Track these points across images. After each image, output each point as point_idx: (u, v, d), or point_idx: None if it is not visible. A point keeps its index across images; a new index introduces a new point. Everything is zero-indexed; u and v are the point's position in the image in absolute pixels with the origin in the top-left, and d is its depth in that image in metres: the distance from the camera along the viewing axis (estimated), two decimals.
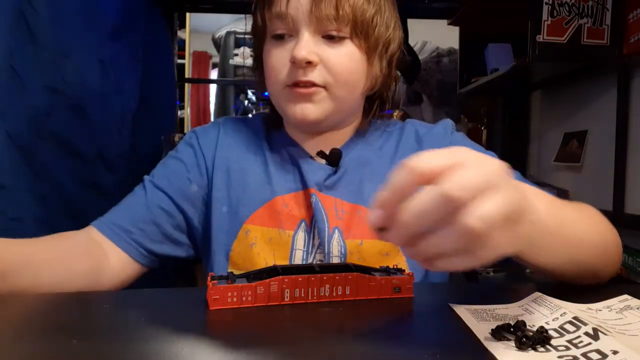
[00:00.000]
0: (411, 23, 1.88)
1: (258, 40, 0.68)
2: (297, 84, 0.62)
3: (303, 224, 0.65)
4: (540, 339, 0.34)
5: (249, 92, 3.35)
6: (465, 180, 0.29)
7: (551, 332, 0.36)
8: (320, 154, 0.69)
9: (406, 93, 2.26)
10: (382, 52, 0.67)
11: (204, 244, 0.70)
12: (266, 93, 0.71)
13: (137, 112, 1.39)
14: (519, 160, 2.02)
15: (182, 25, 2.94)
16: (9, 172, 0.92)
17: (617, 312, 0.41)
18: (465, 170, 0.30)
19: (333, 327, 0.40)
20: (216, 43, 3.36)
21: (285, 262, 0.63)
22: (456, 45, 2.06)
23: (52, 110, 1.02)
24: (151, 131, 1.55)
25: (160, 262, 0.68)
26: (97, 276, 0.61)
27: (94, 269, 0.61)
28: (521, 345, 0.34)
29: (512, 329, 0.36)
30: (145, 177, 0.70)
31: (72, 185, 1.08)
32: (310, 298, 0.44)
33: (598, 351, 0.32)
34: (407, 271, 0.59)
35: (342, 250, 0.63)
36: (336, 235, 0.64)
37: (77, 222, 1.10)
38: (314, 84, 0.62)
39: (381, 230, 0.33)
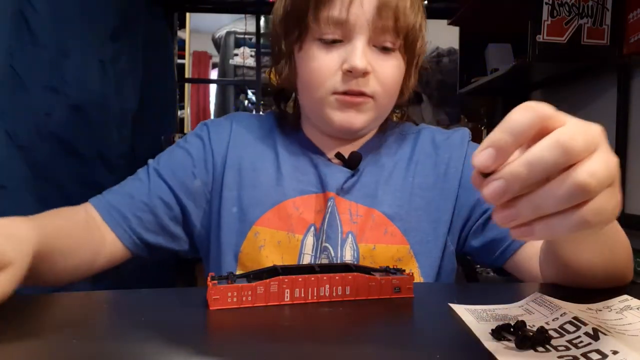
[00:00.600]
0: None
1: (293, 33, 0.64)
2: (346, 92, 0.61)
3: (312, 228, 0.64)
4: (541, 339, 0.34)
5: (249, 92, 3.35)
6: (582, 134, 0.28)
7: (551, 332, 0.36)
8: (339, 156, 0.68)
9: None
10: (416, 63, 0.68)
11: (210, 244, 0.69)
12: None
13: (137, 112, 1.39)
14: None
15: (182, 25, 2.95)
16: (9, 172, 0.92)
17: (617, 312, 0.41)
18: (579, 126, 0.29)
19: (333, 327, 0.40)
20: (216, 43, 3.36)
21: None
22: (456, 45, 2.06)
23: (52, 110, 1.02)
24: (151, 131, 1.55)
25: (150, 252, 0.67)
26: (94, 260, 0.61)
27: (94, 253, 0.61)
28: (521, 346, 0.34)
29: (512, 329, 0.35)
30: (150, 161, 0.69)
31: (72, 185, 1.08)
32: (310, 298, 0.44)
33: (598, 351, 0.32)
34: (419, 277, 0.59)
35: (355, 255, 0.62)
36: (349, 239, 0.63)
37: None
38: (363, 94, 0.61)
39: (484, 175, 0.30)
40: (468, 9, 1.76)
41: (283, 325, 0.40)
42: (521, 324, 0.35)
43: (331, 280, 0.44)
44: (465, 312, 0.41)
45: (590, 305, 0.42)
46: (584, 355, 0.32)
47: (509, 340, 0.35)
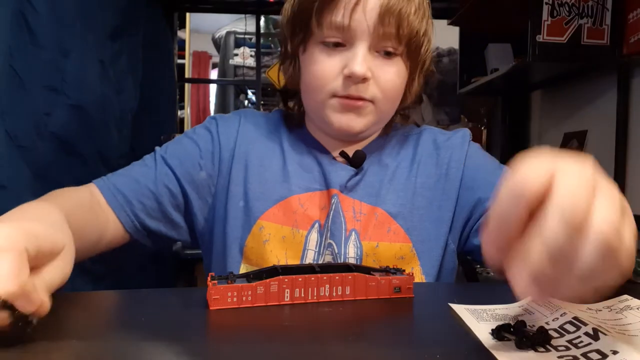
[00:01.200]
0: None
1: (298, 35, 0.65)
2: (346, 96, 0.62)
3: (317, 224, 0.65)
4: (541, 339, 0.34)
5: (249, 92, 3.36)
6: (579, 189, 0.26)
7: (551, 332, 0.36)
8: (342, 154, 0.68)
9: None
10: (421, 69, 0.68)
11: (213, 238, 0.69)
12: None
13: (137, 112, 1.39)
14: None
15: (182, 25, 2.95)
16: (9, 172, 0.93)
17: (617, 313, 0.41)
18: (572, 178, 0.27)
19: (333, 327, 0.40)
20: (216, 43, 3.36)
21: (297, 261, 0.63)
22: (456, 45, 2.06)
23: (52, 110, 1.02)
24: (151, 131, 1.56)
25: (150, 238, 0.67)
26: (98, 242, 0.61)
27: (99, 234, 0.61)
28: (521, 345, 0.33)
29: (512, 329, 0.35)
30: (158, 149, 0.69)
31: (72, 185, 1.08)
32: (310, 298, 0.44)
33: (598, 351, 0.32)
34: (420, 275, 0.59)
35: (359, 252, 0.63)
36: (353, 237, 0.64)
37: None
38: (362, 98, 0.62)
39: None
40: (468, 9, 1.76)
41: (283, 325, 0.40)
42: (521, 324, 0.35)
43: (331, 280, 0.44)
44: (465, 312, 0.41)
45: (590, 306, 0.42)
46: (584, 355, 0.32)
47: (509, 340, 0.35)
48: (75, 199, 0.60)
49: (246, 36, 3.10)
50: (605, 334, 0.34)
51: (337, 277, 0.45)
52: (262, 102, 2.53)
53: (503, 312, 0.42)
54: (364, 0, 0.59)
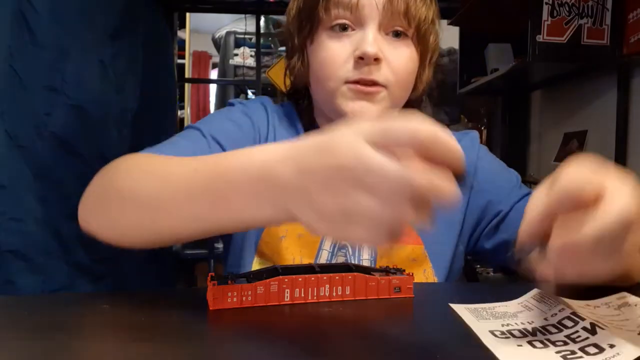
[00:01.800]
0: None
1: (304, 30, 0.64)
2: (358, 82, 0.60)
3: None
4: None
5: (249, 92, 3.35)
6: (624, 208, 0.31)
7: (549, 328, 0.37)
8: None
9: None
10: (430, 59, 0.68)
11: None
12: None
13: (137, 112, 1.39)
14: (519, 160, 2.02)
15: (182, 25, 2.95)
16: (9, 172, 0.93)
17: (615, 309, 0.41)
18: (622, 197, 0.32)
19: (333, 327, 0.40)
20: (216, 43, 3.36)
21: (311, 261, 0.62)
22: (456, 45, 2.06)
23: (52, 110, 1.02)
24: (151, 131, 1.55)
25: None
26: None
27: None
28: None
29: None
30: (198, 126, 0.64)
31: (72, 185, 1.08)
32: (310, 298, 0.44)
33: (595, 345, 0.32)
34: (433, 277, 0.59)
35: (373, 254, 0.63)
36: None
37: (77, 222, 1.09)
38: (375, 83, 0.60)
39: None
40: (468, 9, 1.76)
41: (283, 325, 0.40)
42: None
43: (331, 280, 0.44)
44: (465, 312, 0.41)
45: (588, 302, 0.43)
46: (581, 349, 0.32)
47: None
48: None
49: (246, 36, 3.10)
50: (602, 328, 0.34)
51: (337, 277, 0.45)
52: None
53: (502, 309, 0.42)
54: None
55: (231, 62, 3.13)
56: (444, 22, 1.99)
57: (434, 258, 0.65)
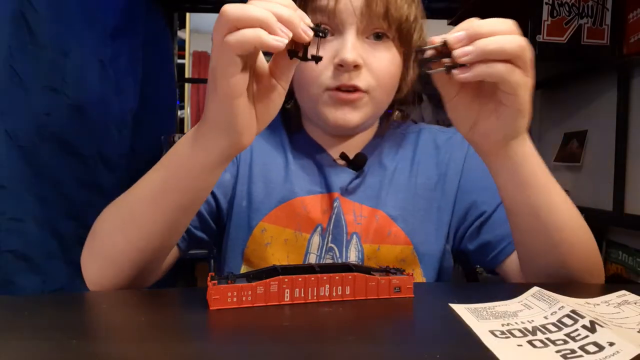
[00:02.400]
0: None
1: None
2: (339, 88, 0.60)
3: (319, 227, 0.64)
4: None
5: None
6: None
7: (549, 327, 0.37)
8: (343, 156, 0.67)
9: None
10: (415, 57, 0.66)
11: (219, 238, 0.68)
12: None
13: (137, 112, 1.38)
14: None
15: (182, 25, 2.94)
16: (9, 172, 0.93)
17: (614, 307, 0.41)
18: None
19: (333, 327, 0.40)
20: None
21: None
22: None
23: (52, 110, 1.02)
24: (151, 131, 1.55)
25: (191, 248, 0.66)
26: (166, 263, 0.60)
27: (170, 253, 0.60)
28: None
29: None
30: None
31: (72, 185, 1.08)
32: (310, 298, 0.44)
33: (595, 343, 0.32)
34: (421, 278, 0.59)
35: (360, 255, 0.63)
36: (354, 240, 0.63)
37: (77, 222, 1.10)
38: (356, 89, 0.60)
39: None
40: (468, 9, 1.76)
41: (283, 325, 0.40)
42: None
43: (331, 280, 0.44)
44: (465, 312, 0.41)
45: (588, 300, 0.43)
46: (581, 348, 0.32)
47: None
48: None
49: None
50: (602, 326, 0.34)
51: (337, 277, 0.45)
52: None
53: (503, 308, 0.42)
54: None
55: None
56: (444, 22, 1.99)
57: (423, 259, 0.64)
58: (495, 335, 0.36)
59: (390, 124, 0.73)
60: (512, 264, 0.61)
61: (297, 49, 0.43)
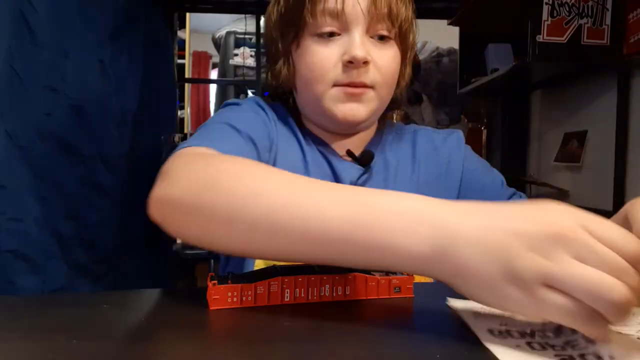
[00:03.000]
0: None
1: (289, 35, 0.65)
2: (348, 84, 0.62)
3: None
4: None
5: (249, 92, 3.35)
6: None
7: (548, 333, 0.36)
8: (349, 153, 0.68)
9: (406, 93, 2.26)
10: (409, 56, 0.69)
11: None
12: (266, 92, 0.70)
13: (137, 112, 1.39)
14: (519, 160, 2.02)
15: (182, 25, 2.95)
16: (9, 172, 0.93)
17: None
18: None
19: (333, 327, 0.40)
20: (216, 43, 3.36)
21: None
22: (456, 45, 2.06)
23: (52, 110, 1.02)
24: (151, 131, 1.55)
25: None
26: None
27: None
28: None
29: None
30: (231, 123, 0.60)
31: (72, 185, 1.08)
32: (310, 298, 0.44)
33: (594, 354, 0.32)
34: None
35: None
36: None
37: (77, 222, 1.10)
38: (364, 85, 0.62)
39: None
40: (468, 9, 1.76)
41: (283, 325, 0.40)
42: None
43: (331, 280, 0.44)
44: (465, 312, 0.41)
45: None
46: (581, 356, 0.32)
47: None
48: None
49: (246, 36, 3.10)
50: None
51: (337, 277, 0.45)
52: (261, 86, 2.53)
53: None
54: None
55: (231, 62, 3.13)
56: (444, 22, 2.00)
57: None
58: (494, 335, 0.36)
59: (386, 124, 0.75)
60: None
61: None
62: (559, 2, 1.36)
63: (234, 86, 3.26)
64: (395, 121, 2.51)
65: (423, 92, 2.25)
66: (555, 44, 1.36)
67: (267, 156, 0.64)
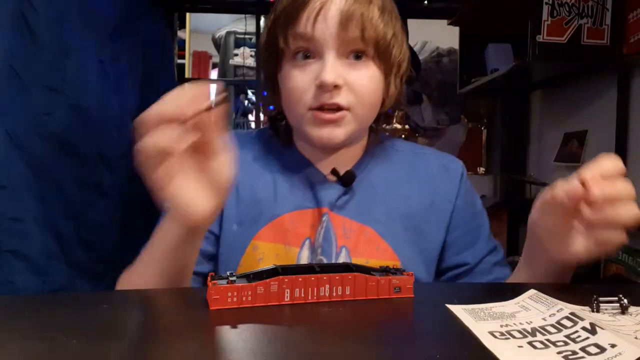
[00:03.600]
0: (411, 23, 1.87)
1: (273, 60, 0.67)
2: (322, 107, 0.62)
3: (307, 241, 0.66)
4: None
5: (249, 92, 3.35)
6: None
7: (549, 328, 0.37)
8: (334, 172, 0.69)
9: (406, 93, 2.26)
10: (396, 72, 0.68)
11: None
12: (271, 107, 0.71)
13: (137, 112, 1.39)
14: (519, 160, 2.02)
15: (182, 25, 2.94)
16: (9, 172, 0.93)
17: (610, 316, 0.41)
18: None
19: (333, 327, 0.40)
20: (216, 43, 3.36)
21: None
22: (456, 45, 2.06)
23: (52, 110, 1.02)
24: None
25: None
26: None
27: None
28: (623, 311, 0.41)
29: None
30: None
31: (72, 185, 1.08)
32: (310, 298, 0.44)
33: (596, 345, 0.32)
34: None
35: (345, 262, 0.64)
36: (343, 253, 0.66)
37: (77, 222, 1.09)
38: (339, 107, 0.62)
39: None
40: (468, 9, 1.76)
41: (283, 325, 0.40)
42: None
43: (331, 280, 0.44)
44: (463, 313, 0.41)
45: (584, 307, 0.43)
46: (582, 349, 0.32)
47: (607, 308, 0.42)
48: None
49: (246, 36, 3.10)
50: (602, 329, 0.34)
51: (337, 277, 0.45)
52: (261, 102, 2.53)
53: (500, 309, 0.42)
54: (325, 9, 0.60)
55: (231, 62, 3.13)
56: (444, 22, 2.00)
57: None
58: (495, 337, 0.36)
59: (379, 138, 0.75)
60: None
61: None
62: (559, 2, 1.35)
63: (233, 86, 3.26)
64: (395, 124, 2.52)
65: (423, 92, 2.25)
66: (555, 44, 1.36)
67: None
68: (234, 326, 0.39)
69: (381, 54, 0.64)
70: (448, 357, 0.34)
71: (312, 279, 0.44)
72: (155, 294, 0.50)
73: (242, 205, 0.68)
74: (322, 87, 0.61)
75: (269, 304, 0.43)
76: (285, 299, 0.44)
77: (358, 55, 0.63)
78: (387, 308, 0.44)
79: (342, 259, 0.65)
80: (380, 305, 0.45)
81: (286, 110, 0.68)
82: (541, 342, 0.34)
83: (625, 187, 0.49)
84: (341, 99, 0.62)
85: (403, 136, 2.39)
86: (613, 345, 0.32)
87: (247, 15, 2.84)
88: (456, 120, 2.31)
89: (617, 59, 1.37)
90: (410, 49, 2.06)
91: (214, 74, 3.82)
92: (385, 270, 0.49)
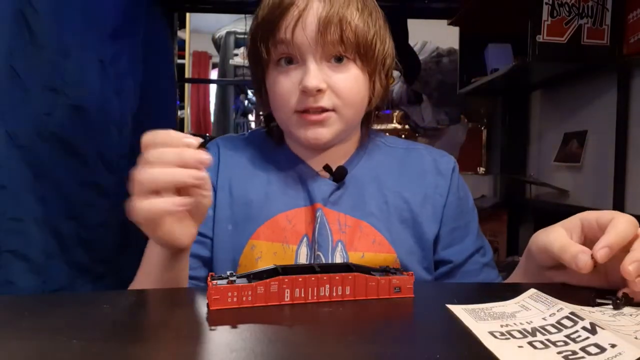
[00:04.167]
0: (411, 23, 1.87)
1: (258, 66, 0.68)
2: (307, 110, 0.64)
3: (305, 238, 0.67)
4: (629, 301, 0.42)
5: (249, 92, 3.35)
6: None
7: (549, 328, 0.37)
8: (326, 167, 0.70)
9: (406, 93, 2.26)
10: (380, 69, 0.69)
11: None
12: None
13: (137, 112, 1.38)
14: (519, 160, 2.02)
15: (182, 25, 2.94)
16: (9, 172, 0.92)
17: (610, 316, 0.41)
18: None
19: (333, 327, 0.40)
20: (216, 43, 3.36)
21: None
22: (456, 45, 2.06)
23: (52, 110, 1.02)
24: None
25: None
26: None
27: None
28: (617, 307, 0.42)
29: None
30: None
31: (72, 185, 1.08)
32: (310, 298, 0.44)
33: (596, 345, 0.32)
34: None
35: (345, 262, 0.64)
36: (339, 247, 0.66)
37: (77, 222, 1.09)
38: (324, 109, 0.64)
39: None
40: (468, 9, 1.76)
41: (283, 325, 0.40)
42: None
43: (331, 280, 0.44)
44: (463, 313, 0.41)
45: (583, 307, 0.43)
46: (582, 349, 0.32)
47: (606, 304, 0.42)
48: None
49: (246, 36, 3.09)
50: (603, 328, 0.34)
51: (337, 277, 0.45)
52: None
53: (500, 309, 0.42)
54: (304, 16, 0.61)
55: (231, 62, 3.13)
56: (444, 22, 2.00)
57: (406, 267, 0.67)
58: (495, 337, 0.36)
59: (370, 135, 0.76)
60: None
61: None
62: (559, 2, 1.35)
63: (233, 86, 3.26)
64: (395, 124, 2.51)
65: (423, 92, 2.25)
66: (555, 44, 1.36)
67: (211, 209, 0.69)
68: (234, 326, 0.39)
69: (363, 55, 0.65)
70: (448, 357, 0.34)
71: (312, 279, 0.44)
72: (155, 294, 0.50)
73: (236, 206, 0.69)
74: (306, 92, 0.62)
75: (269, 304, 0.43)
76: (286, 299, 0.44)
77: (339, 58, 0.64)
78: (387, 308, 0.44)
79: (338, 253, 0.66)
80: (380, 305, 0.45)
81: (274, 113, 0.70)
82: (541, 342, 0.34)
83: None
84: (325, 102, 0.63)
85: (403, 136, 2.39)
86: (613, 345, 0.32)
87: (247, 15, 2.83)
88: (456, 120, 2.30)
89: (617, 59, 1.37)
90: (410, 49, 2.06)
91: (214, 74, 3.83)
92: (385, 270, 0.49)
